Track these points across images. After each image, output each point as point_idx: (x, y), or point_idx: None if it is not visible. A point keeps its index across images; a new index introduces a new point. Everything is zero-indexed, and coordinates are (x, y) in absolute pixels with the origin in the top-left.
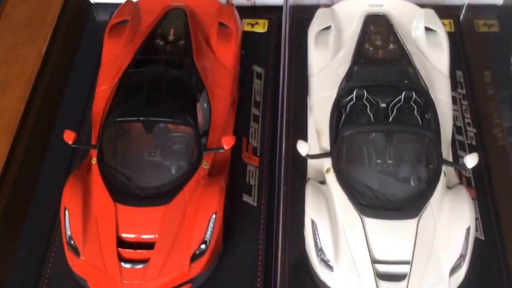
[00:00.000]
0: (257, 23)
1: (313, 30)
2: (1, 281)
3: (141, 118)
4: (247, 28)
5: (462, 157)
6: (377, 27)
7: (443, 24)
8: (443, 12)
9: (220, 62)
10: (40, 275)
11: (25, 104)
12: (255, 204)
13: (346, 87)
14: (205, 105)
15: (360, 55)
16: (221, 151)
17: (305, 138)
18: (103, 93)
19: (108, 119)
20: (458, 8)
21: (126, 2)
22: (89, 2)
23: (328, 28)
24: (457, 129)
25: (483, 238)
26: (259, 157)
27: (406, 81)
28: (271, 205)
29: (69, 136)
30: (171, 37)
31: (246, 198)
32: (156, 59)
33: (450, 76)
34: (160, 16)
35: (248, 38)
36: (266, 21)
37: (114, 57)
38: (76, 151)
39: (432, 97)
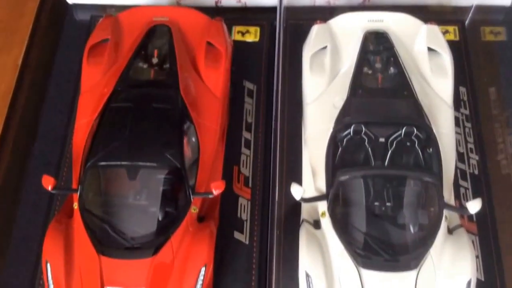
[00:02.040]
0: (248, 31)
1: (308, 51)
2: None
3: (125, 163)
4: (238, 37)
5: (463, 187)
6: (377, 46)
7: (448, 31)
8: (448, 16)
9: (208, 90)
10: None
11: (3, 123)
12: (247, 242)
13: (343, 122)
14: (193, 139)
15: (358, 84)
16: (210, 196)
17: (300, 171)
18: (83, 127)
19: (89, 163)
20: (465, 10)
21: (105, 17)
22: (67, 2)
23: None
24: (459, 156)
25: (483, 279)
26: (251, 188)
27: (407, 117)
28: (263, 242)
29: (47, 182)
30: (155, 59)
31: (237, 235)
32: (139, 92)
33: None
34: (142, 34)
35: (238, 49)
36: (258, 29)
37: (95, 84)
38: (57, 176)
39: (435, 131)
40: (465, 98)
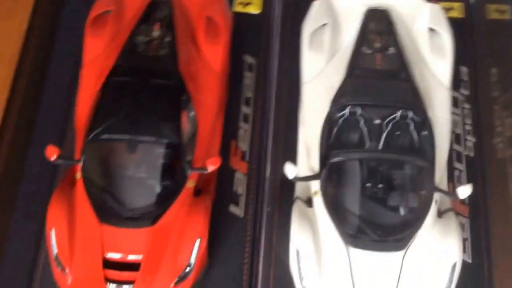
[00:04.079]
0: (250, 2)
1: (307, 28)
2: None
3: (124, 137)
4: (239, 8)
5: (458, 170)
6: (377, 25)
7: (452, 8)
8: None
9: (208, 65)
10: None
11: (9, 88)
12: (241, 215)
13: (339, 103)
14: (191, 115)
15: (356, 64)
16: (206, 172)
17: (296, 147)
18: (86, 99)
19: (91, 136)
20: None
21: None
22: None
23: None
24: (455, 137)
25: (470, 261)
26: (248, 162)
27: (403, 101)
28: (258, 216)
29: (51, 152)
30: (155, 33)
31: (232, 208)
32: (139, 67)
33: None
34: (144, 6)
35: (239, 21)
36: (261, 0)
37: (97, 56)
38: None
39: (431, 114)
40: (466, 78)
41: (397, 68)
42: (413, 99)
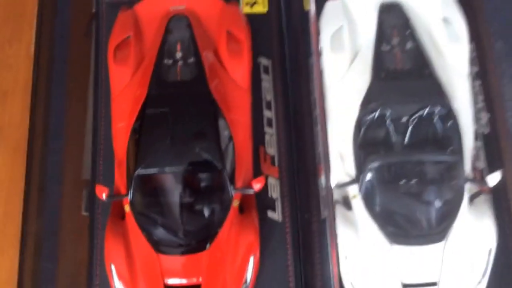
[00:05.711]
0: (255, 2)
1: (326, 31)
2: None
3: (172, 169)
4: (246, 9)
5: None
6: (393, 19)
7: None
8: None
9: (234, 82)
10: None
11: (29, 115)
12: (280, 220)
13: (369, 107)
14: (228, 138)
15: (379, 65)
16: (251, 192)
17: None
18: (122, 131)
19: (138, 170)
20: None
21: (121, 13)
22: None
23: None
24: None
25: None
26: (278, 167)
27: (430, 99)
28: (294, 218)
29: (101, 191)
30: (178, 54)
31: (270, 214)
32: (172, 95)
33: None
34: (163, 27)
35: (249, 23)
36: None
37: (126, 86)
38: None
39: (455, 105)
40: (474, 54)
41: (419, 64)
42: (439, 95)
